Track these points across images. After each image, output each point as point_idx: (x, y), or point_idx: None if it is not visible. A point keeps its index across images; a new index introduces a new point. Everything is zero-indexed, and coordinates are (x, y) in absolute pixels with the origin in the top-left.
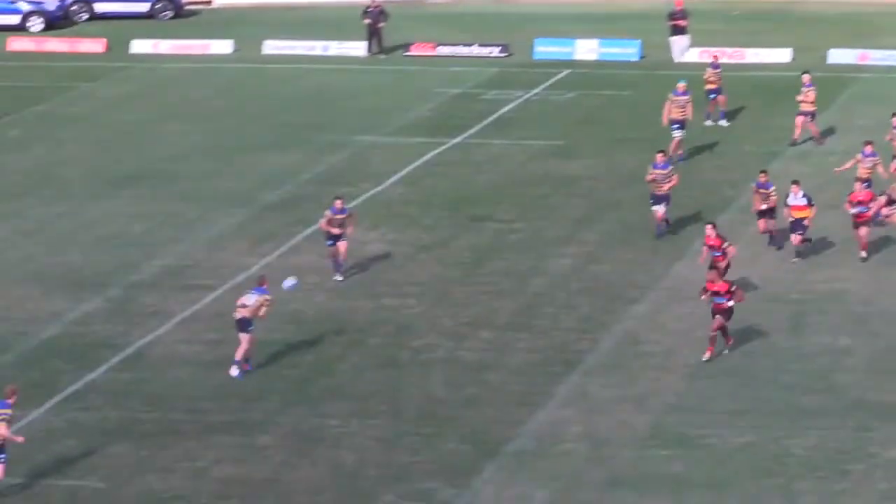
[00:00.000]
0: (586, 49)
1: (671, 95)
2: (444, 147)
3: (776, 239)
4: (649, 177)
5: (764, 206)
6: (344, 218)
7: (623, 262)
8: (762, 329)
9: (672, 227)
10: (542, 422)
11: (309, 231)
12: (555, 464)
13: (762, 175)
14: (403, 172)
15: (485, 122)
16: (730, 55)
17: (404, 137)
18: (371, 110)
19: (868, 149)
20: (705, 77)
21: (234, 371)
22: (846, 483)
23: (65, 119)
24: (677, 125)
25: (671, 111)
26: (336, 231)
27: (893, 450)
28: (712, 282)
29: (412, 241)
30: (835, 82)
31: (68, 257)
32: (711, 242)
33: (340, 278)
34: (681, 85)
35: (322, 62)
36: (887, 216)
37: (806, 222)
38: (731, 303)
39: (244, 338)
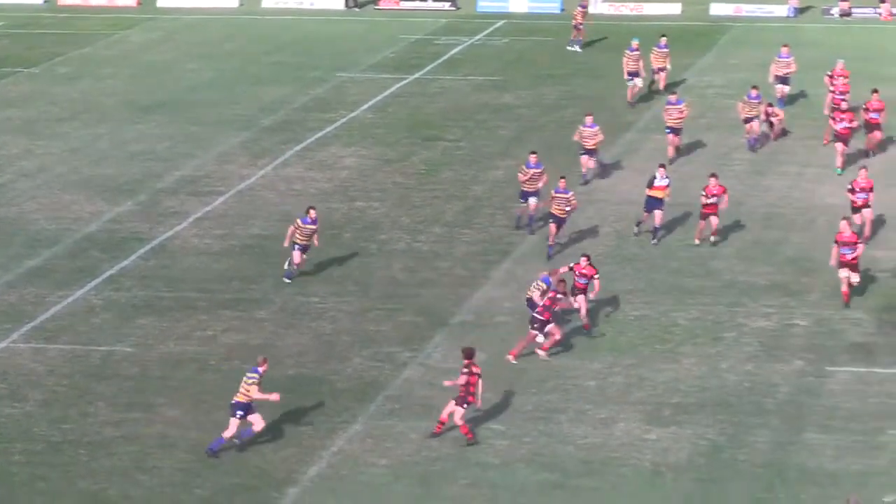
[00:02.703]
0: (518, 4)
1: (627, 52)
2: (405, 82)
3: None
4: (523, 177)
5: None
6: (314, 230)
7: (546, 171)
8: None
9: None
10: (480, 299)
11: (298, 148)
12: (490, 333)
13: (672, 95)
14: (372, 102)
15: (437, 62)
16: (631, 8)
17: (374, 74)
18: (347, 52)
19: (753, 92)
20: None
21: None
22: (720, 347)
23: (104, 59)
24: (631, 76)
25: (627, 64)
26: (303, 241)
27: (758, 321)
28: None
29: (379, 156)
30: (715, 30)
31: (106, 169)
32: (583, 270)
33: (288, 280)
34: (634, 43)
35: (309, 14)
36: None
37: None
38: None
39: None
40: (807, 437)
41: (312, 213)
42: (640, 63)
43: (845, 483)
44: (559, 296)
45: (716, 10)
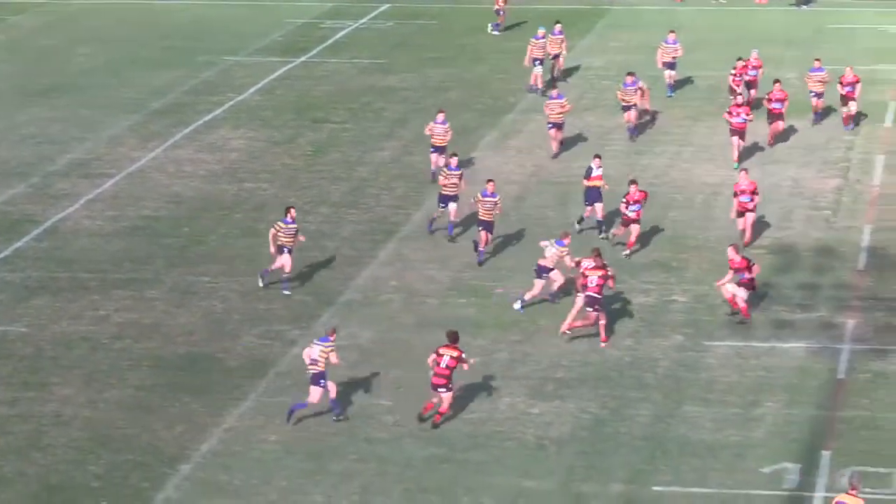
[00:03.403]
0: None
1: (532, 39)
2: (291, 65)
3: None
4: (443, 180)
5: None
6: (295, 229)
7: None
8: (536, 204)
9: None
10: (367, 278)
11: (187, 130)
12: (377, 311)
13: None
14: (260, 85)
15: (323, 45)
16: None
17: (261, 57)
18: (235, 36)
19: (629, 79)
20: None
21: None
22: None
23: None
24: (538, 62)
25: (532, 52)
26: (289, 243)
27: (638, 297)
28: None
29: (266, 138)
30: (595, 13)
31: None
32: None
33: (288, 292)
34: (540, 31)
35: None
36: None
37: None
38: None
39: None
40: (686, 410)
41: (292, 211)
42: (545, 49)
43: (724, 454)
44: (610, 272)
45: None
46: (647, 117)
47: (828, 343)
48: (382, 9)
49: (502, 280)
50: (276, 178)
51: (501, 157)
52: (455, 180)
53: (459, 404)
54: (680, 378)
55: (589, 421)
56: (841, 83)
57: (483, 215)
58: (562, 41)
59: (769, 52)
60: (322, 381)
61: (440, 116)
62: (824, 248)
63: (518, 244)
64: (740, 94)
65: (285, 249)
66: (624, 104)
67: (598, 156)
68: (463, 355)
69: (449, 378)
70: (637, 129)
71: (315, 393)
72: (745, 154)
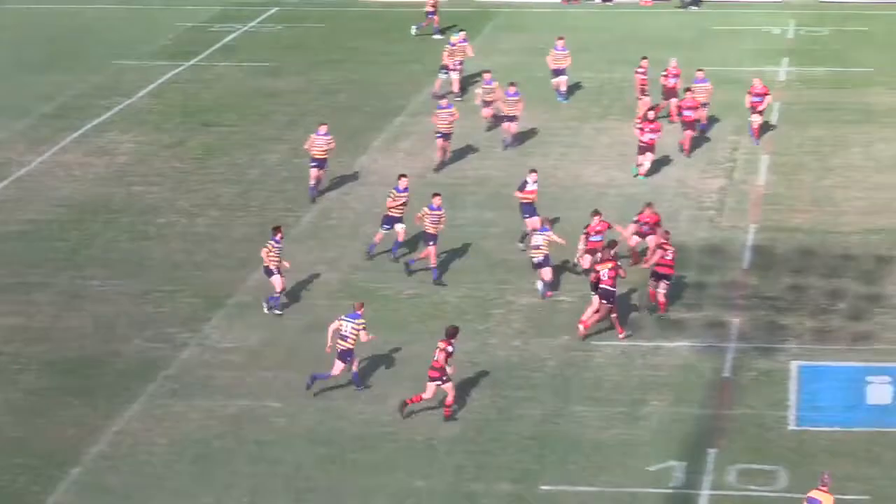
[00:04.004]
0: None
1: (448, 46)
2: (181, 68)
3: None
4: (391, 202)
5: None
6: (281, 248)
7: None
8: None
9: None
10: (257, 280)
11: (76, 134)
12: (265, 314)
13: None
14: (149, 88)
15: (212, 49)
16: None
17: (150, 61)
18: (125, 40)
19: (511, 89)
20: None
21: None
22: (490, 324)
23: None
24: (444, 70)
25: (445, 58)
26: (275, 263)
27: (524, 298)
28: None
29: (156, 142)
30: (483, 16)
31: None
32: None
33: (279, 312)
34: (454, 38)
35: (88, 3)
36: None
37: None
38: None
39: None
40: (574, 409)
41: (280, 231)
42: (456, 55)
43: (611, 453)
44: (619, 264)
45: None
46: (495, 122)
47: (713, 342)
48: (271, 12)
49: (389, 282)
50: (166, 181)
51: (390, 160)
52: (403, 201)
53: (349, 406)
54: (567, 377)
55: (477, 421)
56: (750, 93)
57: (429, 228)
58: (464, 49)
59: (656, 54)
60: (349, 357)
61: (322, 129)
62: (710, 248)
63: (406, 245)
64: (648, 96)
65: (274, 270)
66: (507, 115)
67: (533, 170)
68: (449, 348)
69: (442, 370)
70: (514, 140)
71: (338, 367)
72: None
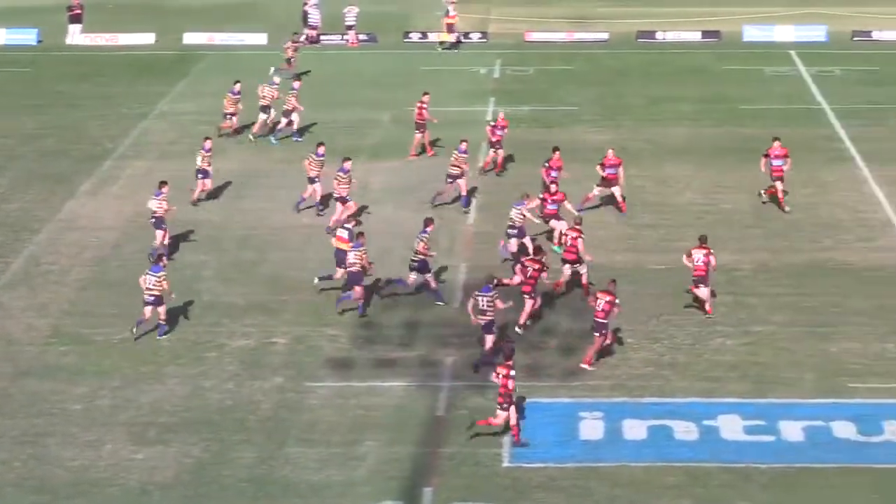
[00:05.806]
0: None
1: (229, 94)
2: None
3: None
4: (334, 241)
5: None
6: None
7: (28, 201)
8: (136, 250)
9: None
10: None
11: None
12: None
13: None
14: None
15: None
16: (107, 39)
17: None
18: None
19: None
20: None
21: None
22: (203, 367)
23: None
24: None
25: (227, 106)
26: None
27: (238, 340)
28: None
29: None
30: (190, 58)
31: None
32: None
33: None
34: (237, 86)
35: None
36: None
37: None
38: None
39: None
40: (289, 451)
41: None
42: (238, 106)
43: (328, 494)
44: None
45: (189, 38)
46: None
47: (427, 381)
48: None
49: (101, 327)
50: None
51: (99, 204)
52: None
53: (62, 452)
54: (282, 419)
55: (192, 465)
56: (603, 165)
57: (350, 266)
58: (237, 101)
59: (367, 95)
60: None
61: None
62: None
63: (115, 289)
64: (553, 184)
65: None
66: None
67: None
68: (511, 373)
69: (507, 396)
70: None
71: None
72: (397, 194)
